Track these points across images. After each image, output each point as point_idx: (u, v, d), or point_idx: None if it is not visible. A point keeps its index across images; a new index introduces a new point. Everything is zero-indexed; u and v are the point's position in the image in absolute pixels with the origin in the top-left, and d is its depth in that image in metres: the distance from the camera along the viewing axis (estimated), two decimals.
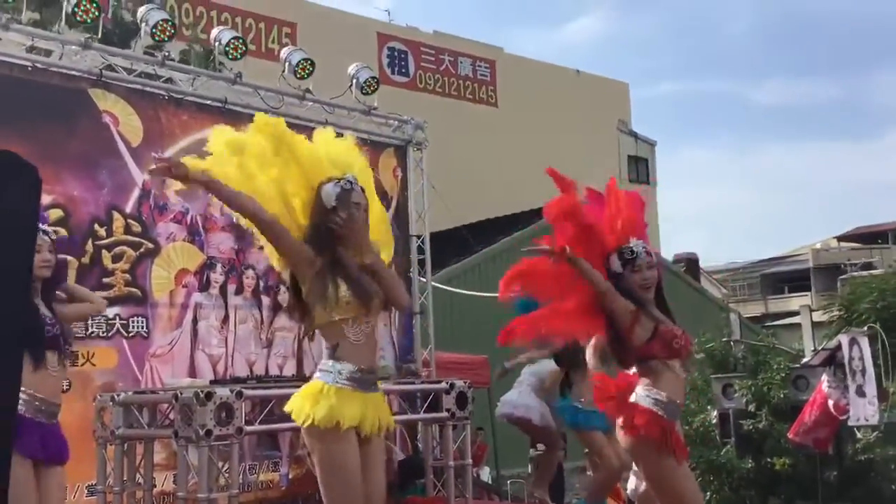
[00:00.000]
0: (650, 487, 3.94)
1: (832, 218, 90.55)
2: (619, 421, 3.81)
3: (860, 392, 5.88)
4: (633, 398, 3.75)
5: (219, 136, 3.48)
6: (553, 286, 3.90)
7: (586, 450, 6.57)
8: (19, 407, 3.38)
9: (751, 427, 7.48)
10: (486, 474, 10.58)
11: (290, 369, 7.22)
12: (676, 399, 3.75)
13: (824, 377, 6.11)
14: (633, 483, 6.06)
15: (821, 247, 36.56)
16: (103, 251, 6.29)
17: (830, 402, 5.90)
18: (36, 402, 3.70)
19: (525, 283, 3.94)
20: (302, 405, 3.24)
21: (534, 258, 3.91)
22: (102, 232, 6.30)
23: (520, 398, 7.39)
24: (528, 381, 7.38)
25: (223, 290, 6.96)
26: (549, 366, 7.42)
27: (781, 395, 7.51)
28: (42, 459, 3.73)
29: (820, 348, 6.71)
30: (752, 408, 7.62)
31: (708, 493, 7.33)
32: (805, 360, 7.93)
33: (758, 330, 13.50)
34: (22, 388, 3.25)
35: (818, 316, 11.60)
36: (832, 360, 6.15)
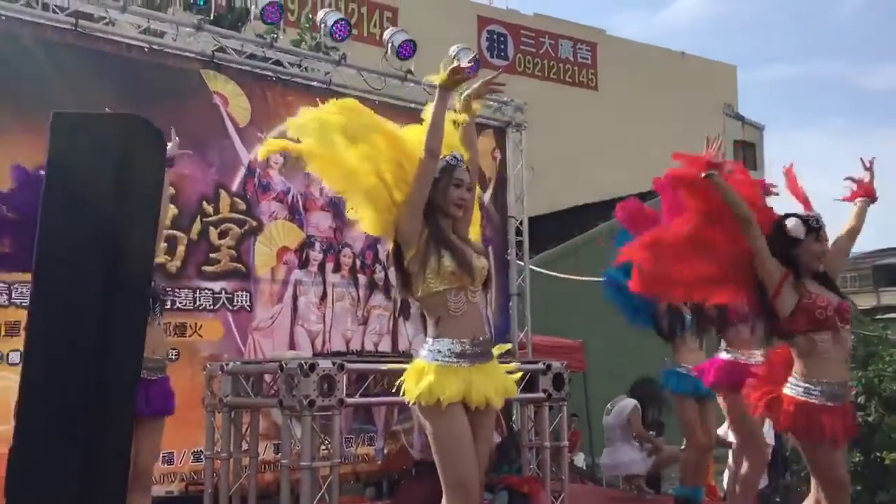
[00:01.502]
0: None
1: None
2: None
3: None
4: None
5: (305, 115, 3.51)
6: (682, 253, 3.93)
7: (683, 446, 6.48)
8: None
9: (860, 420, 7.22)
10: (580, 461, 10.52)
11: (384, 346, 7.36)
12: (830, 379, 3.70)
13: None
14: (727, 478, 5.95)
15: None
16: (210, 227, 6.51)
17: None
18: None
19: (656, 250, 3.97)
20: (407, 384, 3.34)
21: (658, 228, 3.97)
22: (210, 209, 6.53)
23: (614, 458, 7.58)
24: (616, 437, 7.55)
25: (321, 267, 7.13)
26: (624, 407, 7.57)
27: (893, 388, 7.24)
28: (142, 415, 3.94)
29: None
30: (861, 400, 7.36)
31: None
32: None
33: (868, 322, 12.94)
34: None
35: None
36: None
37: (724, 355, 5.17)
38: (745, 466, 5.08)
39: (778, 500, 7.11)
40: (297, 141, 3.48)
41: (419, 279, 3.33)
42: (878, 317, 19.36)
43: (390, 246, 3.48)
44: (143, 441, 4.06)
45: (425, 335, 3.41)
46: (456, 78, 3.35)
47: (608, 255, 6.29)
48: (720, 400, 5.18)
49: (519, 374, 3.60)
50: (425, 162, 3.31)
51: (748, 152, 25.80)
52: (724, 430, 5.74)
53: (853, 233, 4.09)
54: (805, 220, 3.88)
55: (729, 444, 5.47)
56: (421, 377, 3.29)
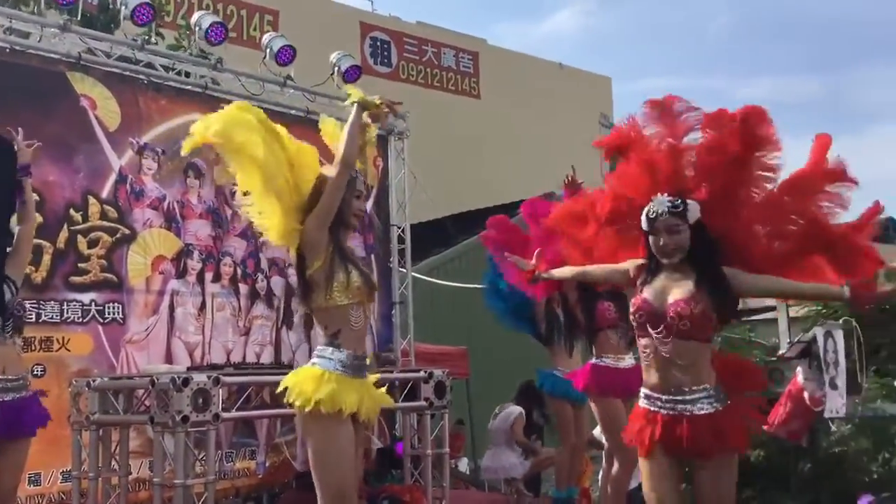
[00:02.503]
0: None
1: None
2: None
3: (833, 384, 5.91)
4: None
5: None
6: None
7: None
8: None
9: None
10: (464, 465, 10.60)
11: (266, 357, 7.20)
12: (650, 385, 3.32)
13: (799, 369, 6.13)
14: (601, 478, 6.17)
15: None
16: (79, 236, 6.23)
17: (806, 395, 5.91)
18: None
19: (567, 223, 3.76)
20: (302, 389, 3.29)
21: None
22: (78, 217, 6.25)
23: (494, 461, 7.76)
24: (499, 440, 7.76)
25: (200, 277, 6.93)
26: (509, 413, 7.78)
27: None
28: None
29: (795, 340, 6.73)
30: None
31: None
32: (780, 352, 7.96)
33: (735, 324, 13.54)
34: None
35: (795, 311, 11.67)
36: (808, 353, 6.16)
37: (594, 360, 5.33)
38: (615, 467, 5.24)
39: None
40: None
41: (323, 291, 3.34)
42: (743, 318, 20.35)
43: (293, 254, 3.47)
44: (4, 468, 3.88)
45: (309, 344, 3.44)
46: (378, 111, 3.50)
47: (491, 261, 6.41)
48: (591, 404, 5.34)
49: (385, 387, 3.72)
50: (342, 173, 3.36)
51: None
52: (599, 433, 5.91)
53: (791, 294, 3.58)
54: (646, 210, 3.30)
55: (602, 446, 5.64)
56: (320, 384, 3.26)
